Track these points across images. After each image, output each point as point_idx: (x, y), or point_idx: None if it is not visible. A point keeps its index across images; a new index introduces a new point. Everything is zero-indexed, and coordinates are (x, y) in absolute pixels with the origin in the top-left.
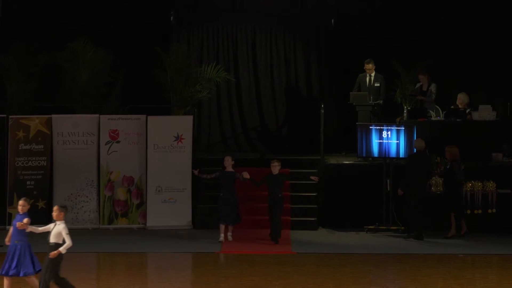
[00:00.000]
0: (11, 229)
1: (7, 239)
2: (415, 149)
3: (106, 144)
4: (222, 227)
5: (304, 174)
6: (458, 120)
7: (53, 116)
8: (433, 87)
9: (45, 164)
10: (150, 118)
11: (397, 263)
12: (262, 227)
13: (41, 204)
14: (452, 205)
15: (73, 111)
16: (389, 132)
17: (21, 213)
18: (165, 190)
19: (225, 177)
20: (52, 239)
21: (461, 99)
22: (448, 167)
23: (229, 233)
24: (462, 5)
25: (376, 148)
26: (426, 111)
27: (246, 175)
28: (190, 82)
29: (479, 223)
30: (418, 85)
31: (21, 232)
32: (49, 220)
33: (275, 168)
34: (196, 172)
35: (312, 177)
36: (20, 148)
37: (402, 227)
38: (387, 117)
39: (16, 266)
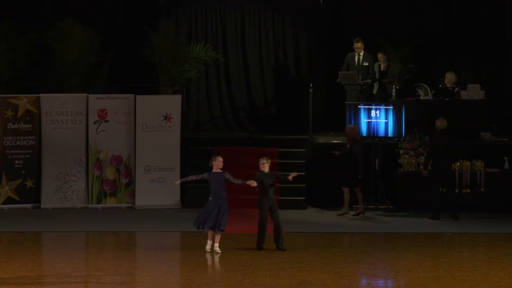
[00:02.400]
0: None
1: None
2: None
3: (94, 123)
4: (210, 233)
5: (292, 153)
6: (446, 99)
7: (42, 95)
8: (394, 67)
9: (33, 144)
10: (138, 97)
11: (385, 242)
12: (251, 206)
13: (29, 184)
14: (347, 181)
15: (61, 90)
16: (377, 112)
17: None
18: (153, 169)
19: (213, 179)
20: None
21: (449, 78)
22: (348, 147)
23: (216, 244)
24: None
25: (364, 127)
26: (414, 91)
27: (252, 183)
28: (178, 62)
29: (467, 202)
30: (376, 65)
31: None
32: (38, 198)
33: (264, 166)
34: (176, 183)
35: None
36: (8, 128)
37: (391, 206)
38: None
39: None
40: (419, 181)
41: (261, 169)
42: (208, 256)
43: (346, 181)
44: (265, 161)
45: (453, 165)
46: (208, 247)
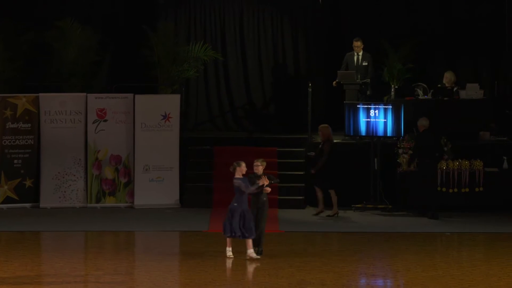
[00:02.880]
0: None
1: None
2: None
3: (93, 122)
4: (228, 240)
5: (291, 152)
6: (445, 98)
7: (40, 94)
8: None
9: (32, 143)
10: (137, 96)
11: (384, 242)
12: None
13: (28, 183)
14: (320, 182)
15: (60, 89)
16: (376, 111)
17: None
18: (152, 168)
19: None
20: None
21: (448, 78)
22: (320, 146)
23: (250, 250)
24: None
25: (363, 126)
26: (413, 90)
27: (266, 190)
28: (177, 61)
29: (466, 202)
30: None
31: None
32: (37, 198)
33: (258, 168)
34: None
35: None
36: (7, 127)
37: (390, 206)
38: (374, 96)
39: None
40: (417, 180)
41: (255, 170)
42: (207, 255)
43: (321, 180)
44: (259, 164)
45: (439, 164)
46: (229, 253)
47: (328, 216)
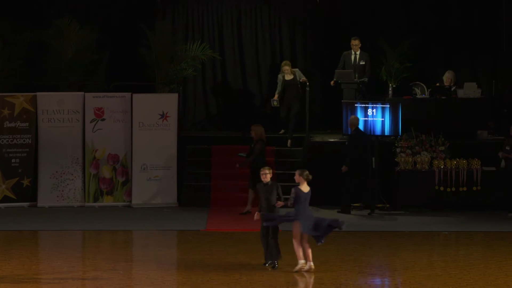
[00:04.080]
0: None
1: None
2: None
3: (91, 122)
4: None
5: (289, 151)
6: (443, 97)
7: (38, 93)
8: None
9: (30, 142)
10: (135, 95)
11: (382, 240)
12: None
13: (26, 182)
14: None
15: (58, 88)
16: (374, 110)
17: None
18: (150, 168)
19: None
20: None
21: (449, 77)
22: (252, 146)
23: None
24: None
25: (361, 125)
26: (411, 89)
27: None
28: (175, 60)
29: (463, 201)
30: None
31: None
32: (34, 197)
33: (267, 177)
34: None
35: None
36: (4, 126)
37: (387, 205)
38: (372, 95)
39: None
40: (416, 179)
41: (263, 179)
42: (204, 254)
43: (252, 180)
44: (267, 171)
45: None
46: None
47: (241, 214)
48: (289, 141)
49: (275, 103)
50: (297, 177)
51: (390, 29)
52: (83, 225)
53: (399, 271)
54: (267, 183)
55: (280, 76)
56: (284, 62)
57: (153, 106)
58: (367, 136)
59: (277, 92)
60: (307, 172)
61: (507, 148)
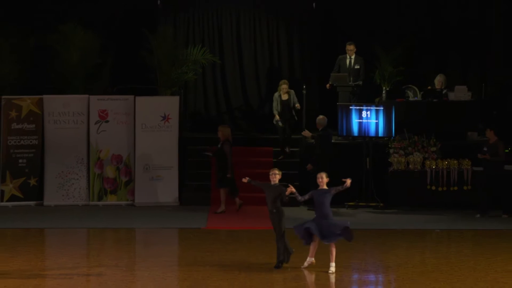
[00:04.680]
0: None
1: None
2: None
3: (95, 123)
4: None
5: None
6: (435, 100)
7: (44, 96)
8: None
9: (36, 143)
10: (138, 98)
11: (376, 238)
12: (247, 203)
13: (32, 182)
14: (223, 182)
15: (63, 91)
16: (368, 112)
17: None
18: (152, 168)
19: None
20: None
21: (440, 81)
22: (219, 146)
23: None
24: None
25: (356, 127)
26: (404, 92)
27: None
28: (176, 64)
29: (455, 200)
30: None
31: None
32: (40, 196)
33: (276, 177)
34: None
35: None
36: (12, 128)
37: (381, 204)
38: (366, 98)
39: None
40: (408, 179)
41: (273, 179)
42: (205, 252)
43: (217, 180)
44: (277, 172)
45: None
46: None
47: (215, 213)
48: (287, 148)
49: (280, 123)
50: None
51: (384, 34)
52: (87, 223)
53: (392, 267)
54: (274, 184)
55: (276, 95)
56: (282, 81)
57: (155, 108)
58: (331, 136)
59: (276, 111)
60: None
61: (484, 149)
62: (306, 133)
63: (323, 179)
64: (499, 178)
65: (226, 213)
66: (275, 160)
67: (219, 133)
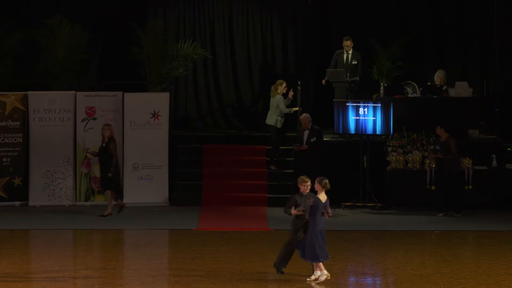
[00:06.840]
0: None
1: None
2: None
3: (82, 121)
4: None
5: (280, 150)
6: (434, 96)
7: (29, 93)
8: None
9: (21, 141)
10: (126, 95)
11: (374, 240)
12: (240, 204)
13: (17, 181)
14: (109, 183)
15: (49, 87)
16: (365, 109)
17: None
18: (142, 167)
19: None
20: None
21: (440, 76)
22: (104, 145)
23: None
24: None
25: (353, 125)
26: (402, 88)
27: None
28: (166, 59)
29: (455, 200)
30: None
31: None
32: (25, 196)
33: (306, 187)
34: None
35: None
36: None
37: (379, 204)
38: (364, 94)
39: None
40: (407, 178)
41: (303, 191)
42: (196, 254)
43: (101, 181)
44: (308, 182)
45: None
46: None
47: (101, 216)
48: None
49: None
50: (316, 186)
51: (381, 29)
52: (74, 224)
53: (390, 270)
54: (306, 194)
55: (279, 97)
56: (281, 80)
57: (145, 105)
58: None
59: (287, 108)
60: (326, 180)
61: (437, 147)
62: (304, 147)
63: (308, 186)
64: (456, 177)
65: (218, 214)
66: (268, 158)
67: (102, 132)
